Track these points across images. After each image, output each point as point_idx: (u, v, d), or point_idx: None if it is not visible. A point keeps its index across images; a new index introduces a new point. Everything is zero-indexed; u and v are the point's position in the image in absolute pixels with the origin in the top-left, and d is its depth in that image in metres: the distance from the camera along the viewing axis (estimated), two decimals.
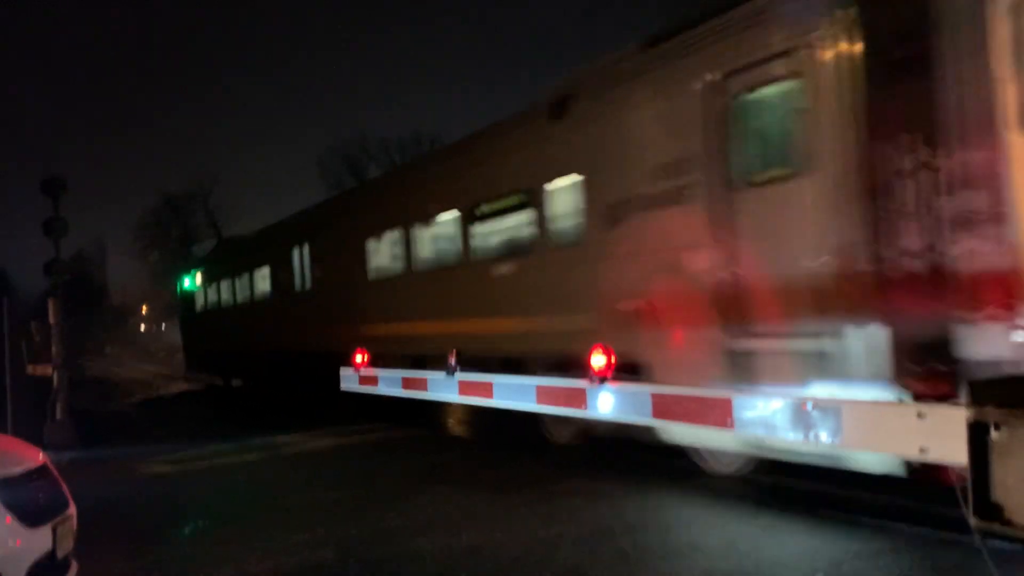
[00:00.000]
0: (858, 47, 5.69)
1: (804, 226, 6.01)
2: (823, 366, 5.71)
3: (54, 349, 12.20)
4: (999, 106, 5.09)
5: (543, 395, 7.04)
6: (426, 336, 11.25)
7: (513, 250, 9.84)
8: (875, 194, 5.59)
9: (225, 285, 22.09)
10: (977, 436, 3.61)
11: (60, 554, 4.35)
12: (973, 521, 3.59)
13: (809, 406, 4.61)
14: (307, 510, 7.37)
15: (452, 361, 8.57)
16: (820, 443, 4.56)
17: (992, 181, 5.14)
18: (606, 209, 8.06)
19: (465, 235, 10.66)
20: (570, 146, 8.67)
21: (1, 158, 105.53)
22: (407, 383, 9.48)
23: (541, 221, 9.21)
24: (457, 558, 5.69)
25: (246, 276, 20.03)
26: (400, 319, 12.13)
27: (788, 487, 7.00)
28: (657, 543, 5.79)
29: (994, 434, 3.56)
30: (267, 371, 18.82)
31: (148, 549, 6.32)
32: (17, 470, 4.30)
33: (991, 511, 3.54)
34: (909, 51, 5.57)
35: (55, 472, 4.71)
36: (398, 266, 12.42)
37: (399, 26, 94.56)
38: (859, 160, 5.65)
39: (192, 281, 26.01)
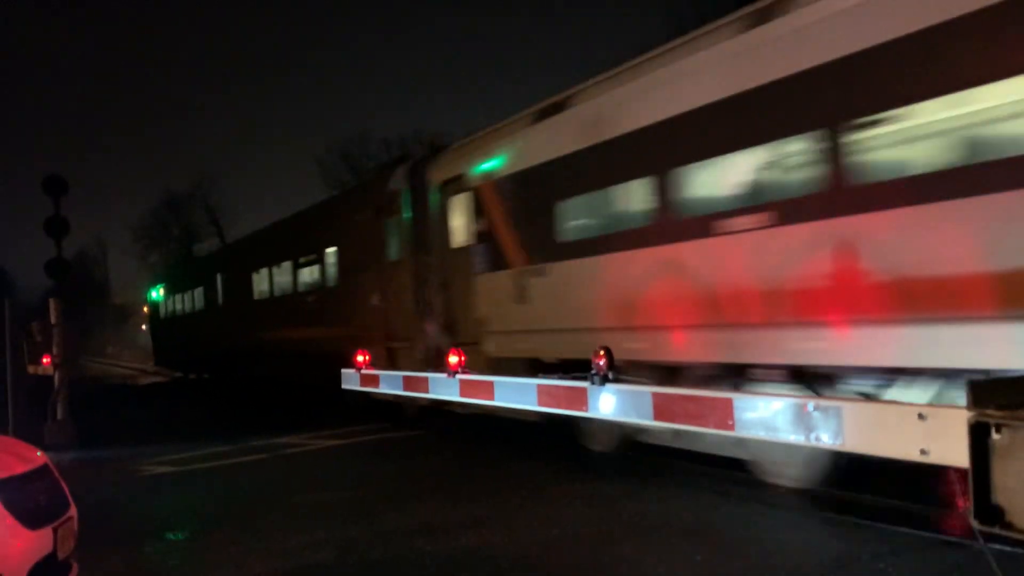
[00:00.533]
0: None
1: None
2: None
3: (55, 349, 12.21)
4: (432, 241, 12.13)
5: (544, 395, 7.01)
6: (281, 338, 18.45)
7: (313, 286, 17.19)
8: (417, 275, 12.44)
9: (178, 298, 30.05)
10: (978, 438, 3.60)
11: (61, 555, 4.34)
12: (974, 524, 3.59)
13: (810, 407, 4.60)
14: (307, 511, 7.38)
15: (454, 361, 8.56)
16: (822, 444, 4.55)
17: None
18: (347, 266, 15.38)
19: (294, 275, 18.14)
20: (331, 231, 16.18)
21: (2, 157, 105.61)
22: (408, 383, 9.48)
23: (323, 270, 16.53)
24: (456, 560, 5.70)
25: (190, 292, 27.88)
26: (269, 327, 19.24)
27: (789, 488, 7.01)
28: (657, 546, 5.80)
29: (995, 436, 3.55)
30: (206, 364, 27.24)
31: (149, 550, 6.33)
32: (18, 471, 4.29)
33: (992, 513, 3.53)
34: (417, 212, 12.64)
35: (56, 473, 4.70)
36: (265, 291, 19.97)
37: (402, 24, 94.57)
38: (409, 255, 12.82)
39: (157, 293, 34.17)
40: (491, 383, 7.81)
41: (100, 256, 74.11)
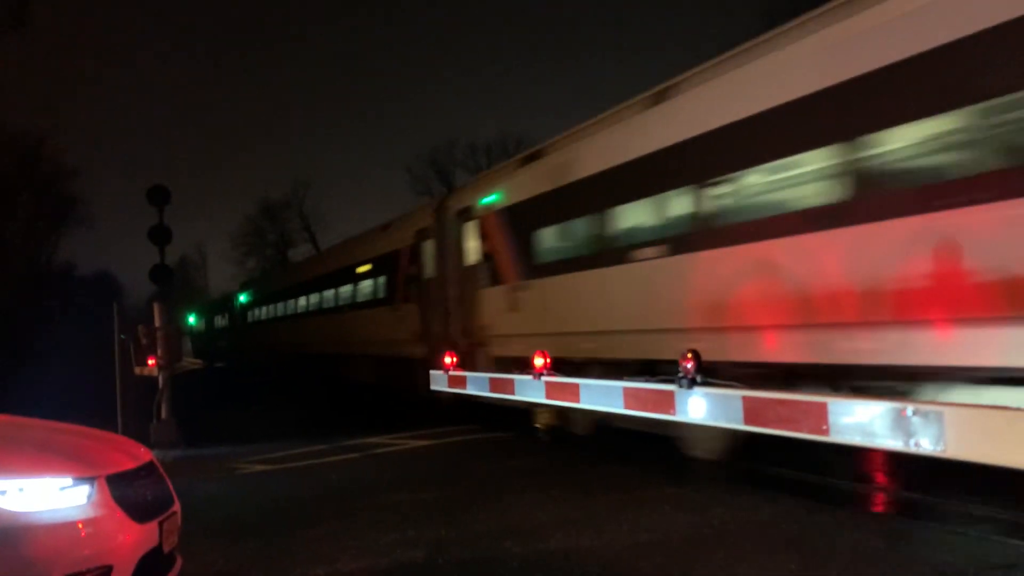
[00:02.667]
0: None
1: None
2: None
3: (159, 351, 12.80)
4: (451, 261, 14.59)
5: (630, 398, 6.99)
6: (335, 343, 22.49)
7: (360, 302, 20.66)
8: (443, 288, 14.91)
9: (204, 321, 50.05)
10: None
11: (166, 549, 4.53)
12: None
13: (909, 411, 4.44)
14: (397, 510, 7.52)
15: (540, 363, 8.59)
16: (922, 451, 4.39)
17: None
18: (394, 282, 18.19)
19: (351, 289, 21.54)
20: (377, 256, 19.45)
21: (111, 169, 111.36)
22: (494, 384, 9.59)
23: (373, 287, 19.75)
24: (545, 562, 5.71)
25: (214, 317, 47.11)
26: (326, 336, 23.56)
27: (911, 499, 6.72)
28: (750, 555, 5.68)
29: None
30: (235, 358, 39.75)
31: (246, 545, 6.57)
32: (127, 467, 4.51)
33: None
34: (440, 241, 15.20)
35: (161, 470, 4.92)
36: (316, 306, 25.11)
37: (488, 27, 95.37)
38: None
39: (193, 318, 52.13)
40: (576, 385, 7.83)
41: (200, 262, 77.37)
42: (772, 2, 24.84)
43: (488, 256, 13.27)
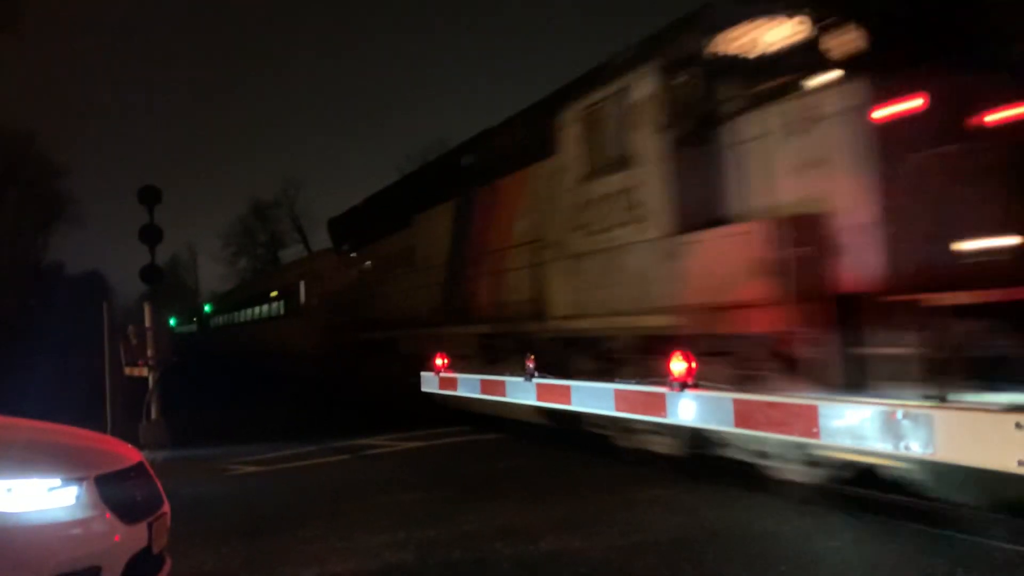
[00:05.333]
0: None
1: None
2: None
3: (149, 351, 12.76)
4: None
5: (621, 400, 7.02)
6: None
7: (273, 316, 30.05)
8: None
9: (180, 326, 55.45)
10: None
11: (155, 550, 4.52)
12: None
13: (899, 414, 4.48)
14: (388, 512, 7.53)
15: (531, 365, 8.62)
16: (911, 454, 4.43)
17: None
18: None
19: (262, 310, 31.87)
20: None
21: (101, 168, 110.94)
22: (485, 386, 9.61)
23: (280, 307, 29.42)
24: (536, 564, 5.73)
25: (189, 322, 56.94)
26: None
27: (871, 499, 6.76)
28: (740, 555, 5.71)
29: None
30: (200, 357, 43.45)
31: (236, 547, 6.56)
32: (116, 467, 4.51)
33: None
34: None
35: (150, 470, 4.92)
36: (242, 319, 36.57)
37: (480, 26, 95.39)
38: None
39: (172, 323, 58.49)
40: (568, 387, 7.86)
41: (191, 262, 77.15)
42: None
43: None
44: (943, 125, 5.71)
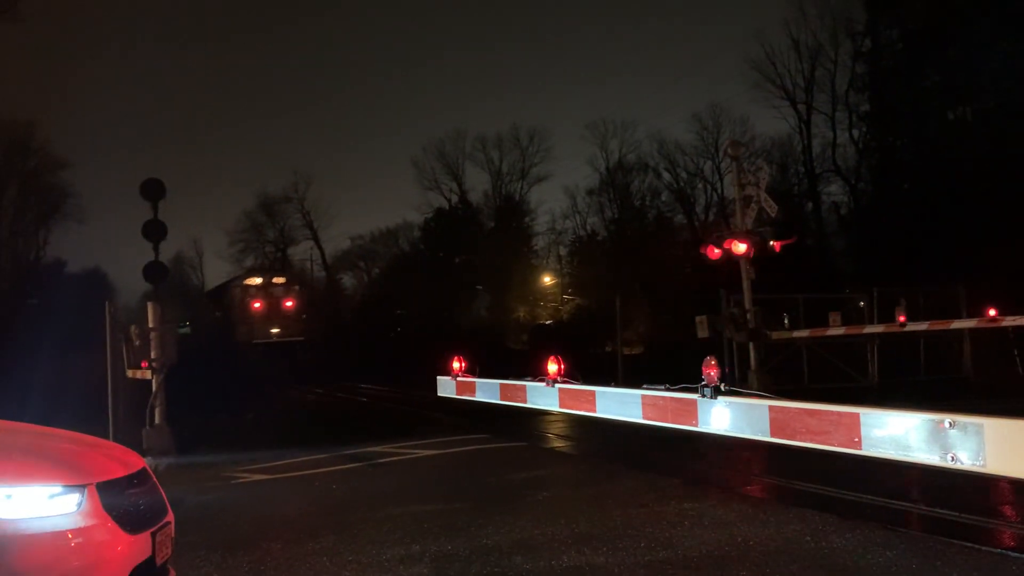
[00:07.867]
0: None
1: None
2: None
3: (153, 353, 12.86)
4: None
5: (649, 408, 6.97)
6: None
7: None
8: None
9: None
10: None
11: (159, 561, 4.52)
12: None
13: (947, 424, 4.41)
14: (401, 523, 7.53)
15: (553, 369, 8.58)
16: (960, 466, 4.36)
17: None
18: None
19: None
20: None
21: (104, 161, 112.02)
22: (505, 391, 9.59)
23: None
24: None
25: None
26: None
27: (916, 513, 6.70)
28: (774, 572, 5.65)
29: None
30: None
31: (242, 559, 6.58)
32: (118, 475, 4.51)
33: None
34: None
35: (154, 478, 4.93)
36: None
37: (498, 17, 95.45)
38: None
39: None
40: (592, 393, 7.81)
41: (196, 259, 77.62)
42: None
43: None
44: None
